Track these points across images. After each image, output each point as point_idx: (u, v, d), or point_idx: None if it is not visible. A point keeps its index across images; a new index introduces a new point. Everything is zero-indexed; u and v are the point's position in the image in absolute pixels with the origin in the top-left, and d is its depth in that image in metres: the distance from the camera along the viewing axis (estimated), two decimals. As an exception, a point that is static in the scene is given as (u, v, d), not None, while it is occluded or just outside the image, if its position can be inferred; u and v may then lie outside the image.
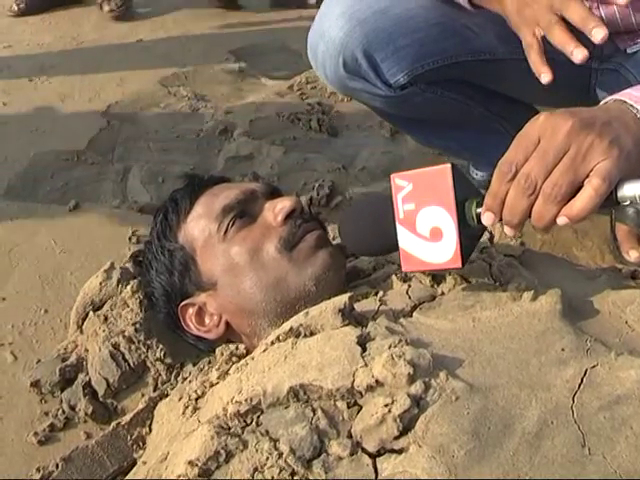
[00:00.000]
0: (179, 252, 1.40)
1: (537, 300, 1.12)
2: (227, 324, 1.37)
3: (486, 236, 1.37)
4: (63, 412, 1.43)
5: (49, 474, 1.26)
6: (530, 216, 1.00)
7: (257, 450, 0.92)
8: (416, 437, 0.90)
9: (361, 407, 0.95)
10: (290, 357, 1.04)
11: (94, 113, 2.74)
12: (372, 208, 1.24)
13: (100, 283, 1.54)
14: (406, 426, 0.90)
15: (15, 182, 2.25)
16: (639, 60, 1.58)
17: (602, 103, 1.11)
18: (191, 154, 2.47)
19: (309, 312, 1.13)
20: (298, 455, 0.90)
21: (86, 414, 1.41)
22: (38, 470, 1.28)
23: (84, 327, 1.52)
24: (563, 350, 1.02)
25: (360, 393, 0.96)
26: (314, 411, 0.96)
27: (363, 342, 1.03)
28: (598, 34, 1.22)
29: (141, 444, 1.29)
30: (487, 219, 1.04)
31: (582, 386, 0.96)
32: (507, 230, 1.04)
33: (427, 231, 1.09)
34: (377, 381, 0.95)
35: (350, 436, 0.93)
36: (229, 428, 0.97)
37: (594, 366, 0.99)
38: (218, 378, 1.17)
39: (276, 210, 1.35)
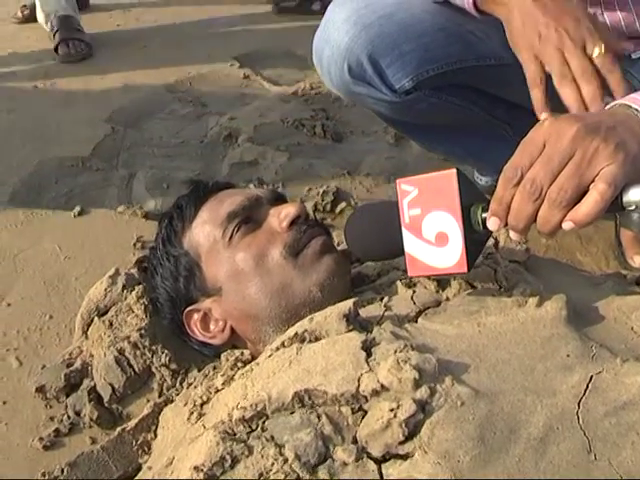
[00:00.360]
0: (184, 258, 1.40)
1: (542, 306, 1.11)
2: (232, 330, 1.37)
3: (491, 242, 1.37)
4: (68, 417, 1.43)
5: (54, 479, 1.26)
6: (535, 221, 1.00)
7: (262, 456, 0.92)
8: (421, 442, 0.89)
9: (366, 412, 0.95)
10: (295, 362, 1.04)
11: (99, 119, 2.74)
12: (378, 213, 1.24)
13: (105, 289, 1.55)
14: (411, 431, 0.90)
15: (20, 188, 2.26)
16: (644, 66, 1.59)
17: (607, 108, 1.11)
18: (195, 160, 2.47)
19: (314, 318, 1.13)
20: (303, 461, 0.90)
21: (91, 419, 1.41)
22: (43, 475, 1.28)
23: (89, 333, 1.52)
24: (568, 356, 1.02)
25: (365, 398, 0.96)
26: (319, 417, 0.96)
27: (368, 347, 1.02)
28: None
29: (146, 449, 1.29)
30: (493, 224, 1.04)
31: (587, 392, 0.96)
32: (513, 235, 1.04)
33: (433, 236, 1.09)
34: (382, 386, 0.95)
35: (355, 441, 0.93)
36: (234, 434, 0.97)
37: (599, 372, 0.99)
38: (223, 384, 1.17)
39: (281, 216, 1.35)
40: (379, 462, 0.90)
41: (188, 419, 1.16)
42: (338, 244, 1.54)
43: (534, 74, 1.39)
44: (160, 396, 1.39)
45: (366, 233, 1.24)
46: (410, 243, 1.12)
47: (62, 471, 1.26)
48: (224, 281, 1.35)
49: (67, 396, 1.46)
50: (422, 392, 0.93)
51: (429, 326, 1.12)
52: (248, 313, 1.33)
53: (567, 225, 0.97)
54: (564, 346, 1.04)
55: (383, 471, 0.89)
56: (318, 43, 1.69)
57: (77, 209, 2.14)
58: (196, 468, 0.93)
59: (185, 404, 1.21)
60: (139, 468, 1.26)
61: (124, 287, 1.54)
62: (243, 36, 3.70)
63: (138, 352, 1.42)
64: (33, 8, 3.86)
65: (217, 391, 1.17)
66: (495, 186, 1.02)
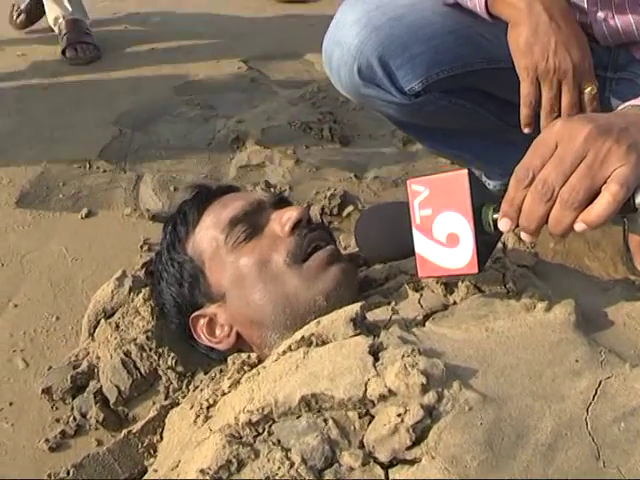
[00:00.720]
0: (188, 264, 1.40)
1: (551, 311, 1.11)
2: (238, 335, 1.37)
3: (499, 246, 1.36)
4: (74, 419, 1.43)
5: (60, 481, 1.27)
6: (547, 222, 0.99)
7: (269, 460, 0.92)
8: (429, 448, 0.89)
9: (373, 417, 0.95)
10: (302, 366, 1.04)
11: (106, 122, 2.74)
12: (388, 213, 1.23)
13: (112, 291, 1.55)
14: (419, 436, 0.90)
15: (28, 190, 2.26)
16: (655, 69, 1.59)
17: (619, 109, 1.11)
18: (203, 163, 2.47)
19: (321, 321, 1.12)
20: (310, 465, 0.90)
21: (97, 421, 1.41)
22: (49, 477, 1.28)
23: (96, 334, 1.52)
24: (577, 361, 1.01)
25: (372, 403, 0.95)
26: (326, 421, 0.95)
27: (375, 351, 1.02)
28: None
29: (152, 452, 1.29)
30: (504, 225, 1.03)
31: (596, 397, 0.96)
32: (524, 236, 1.03)
33: (444, 237, 1.08)
34: (390, 391, 0.94)
35: (362, 446, 0.93)
36: (241, 437, 0.97)
37: (608, 377, 0.99)
38: (230, 387, 1.16)
39: (283, 220, 1.34)
40: (386, 467, 0.90)
41: (194, 422, 1.16)
42: (345, 248, 1.54)
43: (529, 96, 1.44)
44: (166, 399, 1.38)
45: (376, 233, 1.23)
46: (421, 244, 1.11)
47: (68, 473, 1.26)
48: (228, 287, 1.35)
49: (73, 398, 1.46)
50: (429, 397, 0.92)
51: (437, 330, 1.11)
52: (252, 319, 1.33)
53: (579, 226, 0.96)
54: (573, 351, 1.03)
55: (390, 476, 0.89)
56: (328, 45, 1.68)
57: (84, 211, 2.14)
58: (202, 471, 0.92)
59: (191, 407, 1.21)
60: (145, 470, 1.25)
61: (131, 289, 1.54)
62: (251, 39, 3.70)
63: (144, 354, 1.42)
64: (29, 12, 3.85)
65: (223, 394, 1.17)
66: (504, 189, 1.02)
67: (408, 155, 2.49)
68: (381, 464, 0.90)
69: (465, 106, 1.76)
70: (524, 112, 1.45)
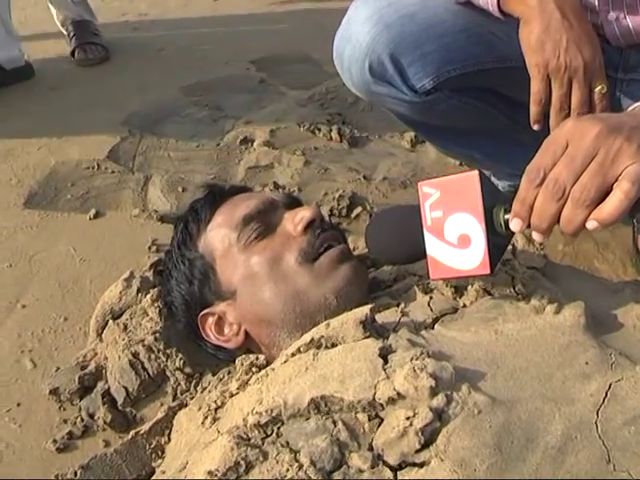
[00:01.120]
0: (199, 261, 1.40)
1: (560, 313, 1.11)
2: (246, 333, 1.37)
3: (508, 248, 1.36)
4: (82, 420, 1.43)
5: (67, 481, 1.26)
6: (559, 222, 0.99)
7: (277, 461, 0.92)
8: (438, 451, 0.89)
9: (382, 420, 0.95)
10: (311, 368, 1.04)
11: (115, 122, 2.74)
12: (399, 216, 1.23)
13: (120, 292, 1.55)
14: (428, 439, 0.90)
15: (36, 190, 2.26)
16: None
17: (630, 109, 1.11)
18: (211, 163, 2.47)
19: (330, 323, 1.12)
20: (319, 467, 0.90)
21: (105, 422, 1.41)
22: (56, 477, 1.28)
23: (104, 335, 1.52)
24: (587, 364, 1.01)
25: (381, 405, 0.95)
26: (335, 423, 0.95)
27: (385, 354, 1.02)
28: None
29: (160, 453, 1.28)
30: (515, 225, 1.03)
31: (606, 400, 0.95)
32: (535, 236, 1.03)
33: (455, 238, 1.08)
34: (399, 394, 0.94)
35: (371, 449, 0.92)
36: (249, 439, 0.96)
37: (619, 380, 0.98)
38: (238, 388, 1.16)
39: (296, 220, 1.35)
40: (395, 470, 0.90)
41: (202, 423, 1.16)
42: (354, 249, 1.54)
43: (539, 94, 1.43)
44: (174, 400, 1.38)
45: (387, 236, 1.23)
46: (432, 245, 1.11)
47: (75, 474, 1.26)
48: (238, 285, 1.35)
49: (81, 399, 1.46)
50: (438, 400, 0.92)
51: (446, 333, 1.11)
52: (262, 317, 1.33)
53: (591, 225, 0.96)
54: (583, 354, 1.03)
55: (399, 479, 0.89)
56: (339, 42, 1.68)
57: (92, 212, 2.14)
58: (210, 473, 0.92)
59: (199, 408, 1.21)
60: (152, 472, 1.25)
61: (139, 290, 1.54)
62: (259, 40, 3.70)
63: (152, 355, 1.41)
64: None
65: (232, 396, 1.16)
66: (514, 190, 1.02)
67: (417, 156, 2.48)
68: (390, 467, 0.90)
69: (475, 105, 1.76)
70: (534, 109, 1.45)
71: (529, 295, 1.18)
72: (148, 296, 1.51)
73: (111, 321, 1.52)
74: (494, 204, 1.07)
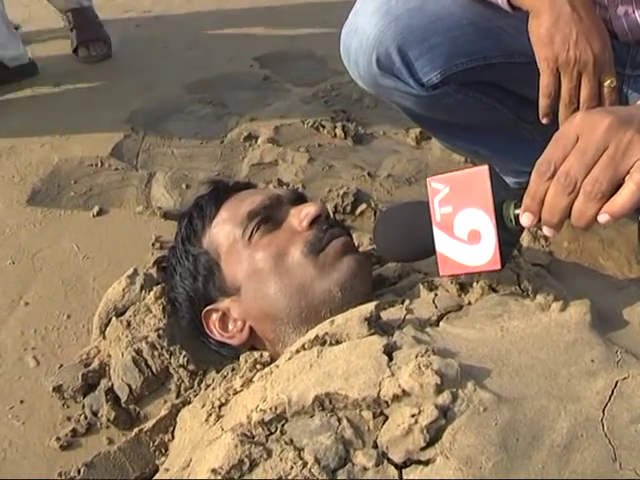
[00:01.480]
0: (203, 257, 1.40)
1: (566, 310, 1.11)
2: (251, 330, 1.37)
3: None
4: (85, 417, 1.43)
5: (71, 479, 1.26)
6: (570, 215, 0.98)
7: (281, 459, 0.91)
8: (443, 448, 0.88)
9: (387, 417, 0.94)
10: (315, 365, 1.03)
11: (118, 119, 2.74)
12: (407, 213, 1.23)
13: (123, 289, 1.54)
14: (433, 437, 0.90)
15: (39, 188, 2.26)
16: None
17: (639, 102, 1.11)
18: (215, 160, 2.46)
19: (335, 320, 1.12)
20: (323, 465, 0.89)
21: (108, 420, 1.40)
22: (60, 475, 1.28)
23: (107, 333, 1.52)
24: (593, 361, 1.01)
25: (386, 403, 0.95)
26: (339, 420, 0.95)
27: (389, 351, 1.02)
28: None
29: (163, 451, 1.28)
30: (526, 220, 1.03)
31: (612, 398, 0.95)
32: (546, 230, 1.02)
33: (465, 234, 1.08)
34: (404, 391, 0.94)
35: (376, 446, 0.92)
36: (253, 436, 0.96)
37: (625, 378, 0.98)
38: (242, 386, 1.16)
39: (301, 215, 1.34)
40: (400, 467, 0.89)
41: (206, 421, 1.16)
42: (359, 246, 1.53)
43: (549, 87, 1.43)
44: (178, 397, 1.38)
45: (395, 233, 1.23)
46: (442, 242, 1.11)
47: (79, 471, 1.26)
48: (243, 280, 1.35)
49: (84, 396, 1.45)
50: (444, 397, 0.92)
51: (451, 330, 1.11)
52: (267, 313, 1.33)
53: (603, 218, 0.95)
54: (588, 351, 1.02)
55: (404, 476, 0.88)
56: (346, 34, 1.68)
57: (96, 209, 2.13)
58: (214, 471, 0.92)
59: (203, 406, 1.21)
60: (156, 469, 1.25)
61: (142, 287, 1.54)
62: (263, 37, 3.70)
63: (156, 353, 1.41)
64: None
65: (235, 393, 1.16)
66: (524, 185, 1.01)
67: (421, 153, 2.48)
68: (395, 464, 0.90)
69: (482, 100, 1.75)
70: (543, 102, 1.45)
71: (534, 292, 1.18)
72: (151, 293, 1.51)
73: (114, 318, 1.51)
74: (504, 199, 1.07)
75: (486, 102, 1.76)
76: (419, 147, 2.52)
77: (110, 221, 2.11)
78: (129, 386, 1.40)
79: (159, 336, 1.43)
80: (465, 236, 1.08)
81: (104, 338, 1.52)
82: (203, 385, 1.38)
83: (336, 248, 1.31)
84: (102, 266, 1.91)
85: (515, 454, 0.88)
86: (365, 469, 0.89)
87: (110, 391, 1.42)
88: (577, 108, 1.42)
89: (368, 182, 2.28)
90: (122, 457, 1.27)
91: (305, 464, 0.90)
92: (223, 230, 1.39)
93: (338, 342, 1.08)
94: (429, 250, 1.13)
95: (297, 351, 1.10)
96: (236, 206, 1.40)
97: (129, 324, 1.48)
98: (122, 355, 1.42)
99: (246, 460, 0.92)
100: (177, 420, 1.29)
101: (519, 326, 1.08)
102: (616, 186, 0.94)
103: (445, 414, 0.91)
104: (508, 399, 0.93)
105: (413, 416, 0.90)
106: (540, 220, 1.02)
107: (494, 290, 1.21)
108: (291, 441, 0.94)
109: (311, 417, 0.96)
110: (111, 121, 2.73)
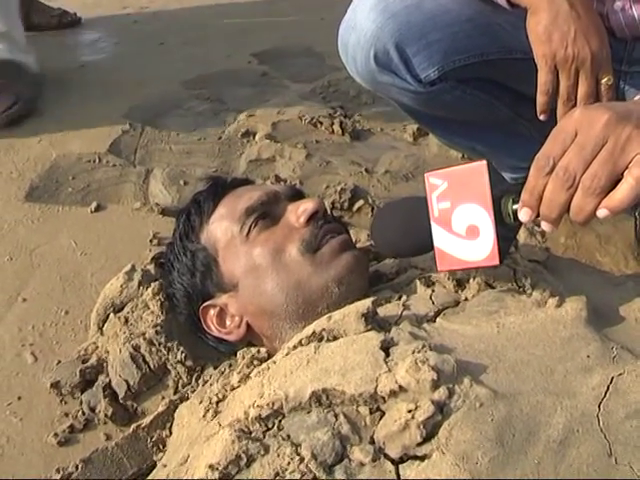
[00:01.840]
0: (201, 253, 1.40)
1: (562, 306, 1.11)
2: (248, 326, 1.37)
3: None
4: (83, 413, 1.43)
5: (69, 475, 1.26)
6: (568, 211, 0.99)
7: (278, 455, 0.92)
8: (439, 444, 0.89)
9: (384, 413, 0.95)
10: (313, 361, 1.04)
11: (116, 115, 2.73)
12: (405, 208, 1.23)
13: (121, 285, 1.55)
14: (429, 432, 0.90)
15: (37, 184, 2.25)
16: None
17: (636, 98, 1.11)
18: (213, 157, 2.46)
19: (332, 316, 1.12)
20: (320, 460, 0.90)
21: (106, 416, 1.41)
22: (58, 471, 1.28)
23: (105, 329, 1.52)
24: (589, 357, 1.01)
25: (383, 399, 0.95)
26: (336, 416, 0.95)
27: (386, 347, 1.02)
28: None
29: (161, 447, 1.29)
30: (524, 215, 1.03)
31: (608, 394, 0.95)
32: (544, 226, 1.03)
33: (463, 229, 1.08)
34: (400, 387, 0.94)
35: (373, 442, 0.93)
36: (250, 432, 0.97)
37: (620, 374, 0.98)
38: (239, 382, 1.16)
39: (299, 212, 1.35)
40: (396, 463, 0.90)
41: (203, 417, 1.16)
42: (356, 242, 1.53)
43: (547, 84, 1.44)
44: (175, 393, 1.39)
45: (393, 229, 1.23)
46: (440, 237, 1.11)
47: (76, 467, 1.26)
48: (241, 276, 1.35)
49: (82, 392, 1.46)
50: (440, 393, 0.92)
51: (447, 326, 1.11)
52: (264, 309, 1.33)
53: (602, 212, 0.96)
54: (584, 347, 1.03)
55: (400, 472, 0.89)
56: (344, 30, 1.68)
57: (94, 205, 2.13)
58: (211, 466, 0.92)
59: (200, 401, 1.21)
60: (154, 465, 1.25)
61: (140, 283, 1.54)
62: (261, 33, 3.69)
63: (154, 349, 1.41)
64: None
65: (233, 389, 1.16)
66: (522, 181, 1.02)
67: (419, 150, 2.48)
68: (391, 460, 0.90)
69: (479, 97, 1.75)
70: (541, 100, 1.45)
71: (531, 288, 1.18)
72: (149, 289, 1.51)
73: (112, 314, 1.51)
74: (502, 194, 1.07)
75: (483, 98, 1.76)
76: (416, 143, 2.52)
77: (108, 217, 2.11)
78: (127, 382, 1.40)
79: (157, 332, 1.43)
80: (463, 231, 1.08)
81: (102, 334, 1.52)
82: (201, 381, 1.38)
83: (333, 246, 1.31)
84: (100, 262, 1.91)
85: (511, 449, 0.88)
86: (362, 464, 0.90)
87: (108, 387, 1.43)
88: (575, 105, 1.43)
89: (365, 178, 2.28)
90: (120, 453, 1.28)
91: (302, 460, 0.90)
92: (221, 226, 1.39)
93: (335, 338, 1.09)
94: (427, 245, 1.13)
95: (294, 347, 1.10)
96: (234, 202, 1.40)
97: (127, 320, 1.48)
98: (120, 351, 1.42)
99: (243, 456, 0.92)
100: (175, 416, 1.30)
101: (515, 322, 1.08)
102: (615, 181, 0.95)
103: (441, 410, 0.91)
104: (504, 395, 0.94)
105: (410, 412, 0.90)
106: (538, 215, 1.02)
107: (491, 286, 1.21)
108: (288, 437, 0.94)
109: (308, 413, 0.97)
110: (109, 117, 2.72)
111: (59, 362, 1.55)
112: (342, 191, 2.15)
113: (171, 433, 1.28)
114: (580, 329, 1.06)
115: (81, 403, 1.45)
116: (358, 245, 1.54)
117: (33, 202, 2.17)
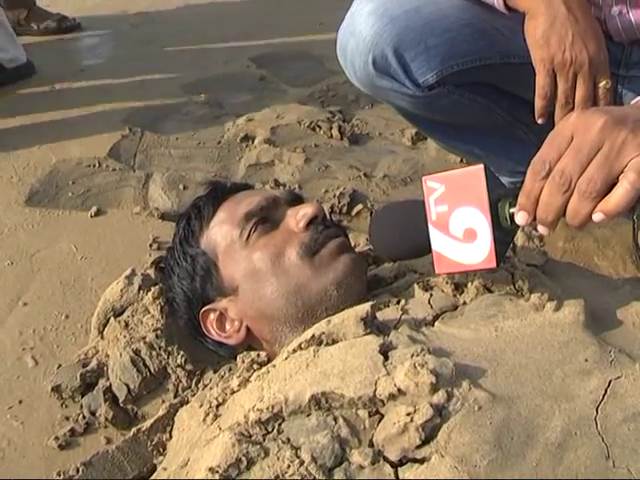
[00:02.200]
0: (201, 257, 1.41)
1: (560, 310, 1.11)
2: (248, 330, 1.37)
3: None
4: (84, 417, 1.44)
5: (69, 478, 1.27)
6: (564, 214, 0.99)
7: (278, 458, 0.92)
8: (438, 447, 0.89)
9: (383, 416, 0.95)
10: (312, 365, 1.04)
11: (115, 120, 2.75)
12: (403, 211, 1.24)
13: (121, 289, 1.55)
14: (428, 435, 0.90)
15: (37, 188, 2.26)
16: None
17: (633, 102, 1.12)
18: (212, 161, 2.47)
19: (331, 320, 1.13)
20: (319, 463, 0.90)
21: (106, 419, 1.41)
22: (58, 474, 1.28)
23: (105, 333, 1.52)
24: (586, 361, 1.01)
25: (382, 402, 0.95)
26: (336, 419, 0.96)
27: (385, 351, 1.02)
28: None
29: (161, 450, 1.29)
30: (521, 218, 1.03)
31: (606, 397, 0.96)
32: (541, 229, 1.03)
33: (460, 232, 1.08)
34: (399, 390, 0.94)
35: (372, 445, 0.93)
36: (250, 435, 0.97)
37: (618, 377, 0.99)
38: (239, 385, 1.17)
39: (298, 216, 1.35)
40: (395, 466, 0.90)
41: (204, 420, 1.16)
42: (355, 246, 1.54)
43: (545, 88, 1.45)
44: (175, 397, 1.39)
45: (391, 232, 1.23)
46: (437, 240, 1.11)
47: (77, 471, 1.26)
48: (241, 280, 1.35)
49: (82, 396, 1.46)
50: (439, 396, 0.93)
51: (446, 330, 1.11)
52: (264, 313, 1.33)
53: (597, 216, 0.96)
54: (582, 351, 1.03)
55: (400, 475, 0.89)
56: (343, 35, 1.69)
57: (94, 209, 2.14)
58: (211, 469, 0.93)
59: (201, 405, 1.21)
60: (154, 469, 1.25)
61: (140, 288, 1.54)
62: (260, 38, 3.70)
63: (154, 353, 1.42)
64: None
65: (233, 392, 1.17)
66: (519, 184, 1.02)
67: (417, 154, 2.48)
68: (391, 463, 0.90)
69: (477, 101, 1.76)
70: (539, 103, 1.46)
71: (529, 292, 1.18)
72: (149, 293, 1.51)
73: (112, 319, 1.52)
74: (499, 198, 1.07)
75: (481, 103, 1.77)
76: (415, 147, 2.52)
77: (108, 222, 2.12)
78: (127, 386, 1.40)
79: (157, 336, 1.43)
80: (461, 234, 1.09)
81: (102, 338, 1.52)
82: (201, 385, 1.39)
83: (331, 248, 1.32)
84: (100, 266, 1.91)
85: (510, 452, 0.88)
86: (361, 467, 0.90)
87: (108, 391, 1.43)
88: (572, 109, 1.43)
89: (364, 182, 2.29)
90: (120, 456, 1.28)
91: (302, 463, 0.90)
92: (221, 231, 1.40)
93: (334, 342, 1.09)
94: (424, 248, 1.14)
95: (294, 351, 1.11)
96: (234, 207, 1.41)
97: (127, 324, 1.48)
98: (120, 355, 1.43)
99: (243, 459, 0.93)
100: (175, 420, 1.30)
101: (513, 326, 1.09)
102: (610, 185, 0.95)
103: (440, 413, 0.92)
104: (503, 398, 0.94)
105: (408, 415, 0.91)
106: (535, 219, 1.03)
107: (489, 290, 1.22)
108: (288, 440, 0.95)
109: (308, 416, 0.97)
110: (108, 122, 2.73)
111: (60, 366, 1.56)
112: (341, 195, 2.15)
113: (171, 437, 1.29)
114: (578, 333, 1.07)
115: (82, 407, 1.45)
116: (357, 249, 1.54)
117: (33, 207, 2.18)
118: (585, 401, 0.95)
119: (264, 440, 0.96)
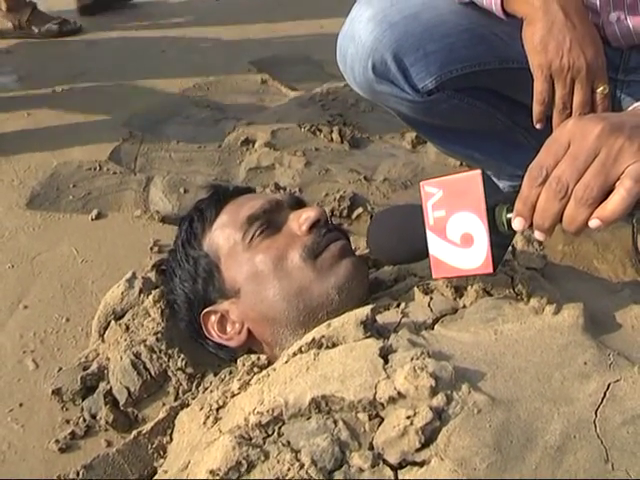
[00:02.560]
0: (203, 259, 1.41)
1: (559, 313, 1.11)
2: (249, 332, 1.38)
3: (508, 249, 1.37)
4: (84, 420, 1.44)
5: (70, 481, 1.27)
6: (561, 220, 0.99)
7: (278, 461, 0.92)
8: (438, 450, 0.89)
9: (383, 419, 0.95)
10: (312, 368, 1.04)
11: (116, 123, 2.75)
12: (401, 216, 1.24)
13: (122, 292, 1.55)
14: (428, 439, 0.90)
15: (38, 191, 2.26)
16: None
17: (630, 109, 1.12)
18: (213, 164, 2.47)
19: (331, 323, 1.13)
20: (319, 466, 0.90)
21: (107, 422, 1.41)
22: (59, 477, 1.28)
23: (106, 336, 1.53)
24: (586, 364, 1.02)
25: (382, 405, 0.96)
26: (336, 422, 0.96)
27: (385, 354, 1.03)
28: None
29: (162, 453, 1.29)
30: (518, 224, 1.03)
31: (605, 400, 0.96)
32: (538, 235, 1.03)
33: (458, 237, 1.08)
34: (399, 393, 0.95)
35: (372, 448, 0.93)
36: (250, 438, 0.97)
37: (617, 380, 0.99)
38: (239, 388, 1.17)
39: (301, 220, 1.35)
40: (395, 469, 0.90)
41: (204, 423, 1.16)
42: (355, 250, 1.54)
43: (542, 94, 1.46)
44: (176, 400, 1.39)
45: (389, 236, 1.24)
46: (435, 245, 1.12)
47: (78, 474, 1.26)
48: (243, 283, 1.36)
49: (83, 399, 1.46)
50: (439, 399, 0.93)
51: (446, 333, 1.12)
52: (266, 315, 1.34)
53: (594, 223, 0.96)
54: (581, 354, 1.03)
55: (399, 477, 0.89)
56: (342, 41, 1.69)
57: (94, 213, 2.14)
58: (212, 472, 0.93)
59: (201, 408, 1.21)
60: (154, 472, 1.25)
61: (141, 291, 1.55)
62: (261, 41, 3.70)
63: (154, 356, 1.42)
64: None
65: (233, 396, 1.17)
66: (517, 190, 1.02)
67: (417, 157, 2.49)
68: (390, 466, 0.91)
69: (477, 106, 1.77)
70: (537, 109, 1.47)
71: (528, 296, 1.18)
72: (150, 297, 1.52)
73: (113, 322, 1.52)
74: (496, 203, 1.07)
75: (481, 107, 1.77)
76: (415, 151, 2.53)
77: (109, 225, 2.12)
78: (128, 389, 1.41)
79: (157, 339, 1.43)
80: (458, 239, 1.09)
81: (103, 341, 1.53)
82: (201, 388, 1.39)
83: (333, 252, 1.32)
84: (101, 269, 1.92)
85: (509, 455, 0.88)
86: (361, 470, 0.90)
87: (109, 394, 1.43)
88: (570, 114, 1.44)
89: (364, 186, 2.29)
90: (121, 459, 1.28)
91: (302, 466, 0.91)
92: (223, 233, 1.40)
93: (334, 345, 1.09)
94: (422, 253, 1.14)
95: (294, 354, 1.11)
96: (236, 210, 1.41)
97: (128, 327, 1.49)
98: (121, 358, 1.43)
99: (244, 462, 0.93)
100: (175, 423, 1.30)
101: (513, 329, 1.09)
102: (607, 192, 0.95)
103: (440, 416, 0.92)
104: (502, 401, 0.94)
105: (408, 418, 0.91)
106: (532, 224, 1.03)
107: (488, 294, 1.22)
108: (288, 443, 0.95)
109: (308, 419, 0.97)
110: (109, 125, 2.74)
111: (60, 369, 1.56)
112: (341, 199, 2.16)
113: (172, 439, 1.29)
114: (577, 336, 1.07)
115: (82, 410, 1.45)
116: (357, 252, 1.54)
117: (34, 210, 2.18)
118: (584, 404, 0.95)
119: (264, 443, 0.96)
